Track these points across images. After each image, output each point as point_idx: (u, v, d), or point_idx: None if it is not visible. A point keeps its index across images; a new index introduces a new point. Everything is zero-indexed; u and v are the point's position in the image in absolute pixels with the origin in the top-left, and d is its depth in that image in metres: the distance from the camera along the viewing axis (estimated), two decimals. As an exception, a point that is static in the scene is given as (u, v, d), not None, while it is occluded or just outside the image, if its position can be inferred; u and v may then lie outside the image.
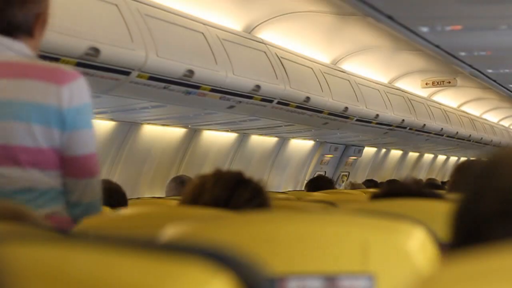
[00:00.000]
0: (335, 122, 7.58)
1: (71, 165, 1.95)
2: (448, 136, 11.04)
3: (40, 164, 1.92)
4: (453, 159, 14.94)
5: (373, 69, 8.56)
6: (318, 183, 5.24)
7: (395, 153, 12.26)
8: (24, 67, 1.92)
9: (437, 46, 7.24)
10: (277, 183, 8.78)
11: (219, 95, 5.39)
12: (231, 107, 5.76)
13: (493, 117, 14.57)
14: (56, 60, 3.86)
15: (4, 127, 1.89)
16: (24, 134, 1.89)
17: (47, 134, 1.91)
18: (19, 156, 1.91)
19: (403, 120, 9.01)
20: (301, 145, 9.22)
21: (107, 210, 2.62)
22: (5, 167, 1.91)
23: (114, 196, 2.97)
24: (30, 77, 1.90)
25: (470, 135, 12.02)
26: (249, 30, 6.12)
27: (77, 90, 1.96)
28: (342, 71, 7.70)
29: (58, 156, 1.94)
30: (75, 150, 1.94)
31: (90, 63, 4.05)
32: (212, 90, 5.27)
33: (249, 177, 1.73)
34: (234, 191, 1.67)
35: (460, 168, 2.59)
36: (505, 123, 15.76)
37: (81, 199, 1.99)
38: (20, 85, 1.89)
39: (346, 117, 7.59)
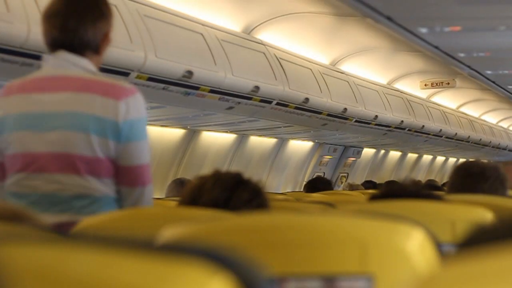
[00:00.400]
0: (334, 123, 7.58)
1: (125, 174, 2.07)
2: (447, 137, 11.05)
3: (97, 172, 2.05)
4: (452, 160, 14.95)
5: (372, 70, 8.56)
6: (316, 184, 5.24)
7: (394, 154, 12.27)
8: (86, 82, 2.06)
9: (436, 47, 7.25)
10: (276, 184, 8.78)
11: (218, 96, 5.39)
12: (230, 108, 5.76)
13: (492, 118, 14.57)
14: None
15: (65, 137, 2.03)
16: (83, 144, 2.03)
17: (103, 145, 2.04)
18: (77, 164, 2.04)
19: (402, 121, 9.02)
20: (300, 146, 9.22)
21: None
22: (64, 174, 2.04)
23: None
24: (91, 92, 2.04)
25: (469, 136, 12.03)
26: (248, 31, 6.12)
27: (133, 104, 2.07)
28: (341, 72, 7.70)
29: (113, 165, 2.07)
30: (130, 160, 2.07)
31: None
32: (211, 91, 5.27)
33: (248, 177, 1.73)
34: (233, 192, 1.67)
35: (459, 169, 2.59)
36: (504, 124, 15.77)
37: (134, 206, 2.10)
38: (82, 98, 2.04)
39: (345, 118, 7.59)
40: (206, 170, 2.39)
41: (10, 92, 2.11)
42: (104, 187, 2.07)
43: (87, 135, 2.03)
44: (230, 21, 5.85)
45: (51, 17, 2.14)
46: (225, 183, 1.67)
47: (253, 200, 1.68)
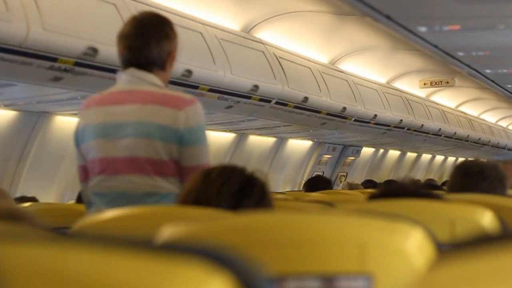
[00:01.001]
0: (333, 122, 7.58)
1: (188, 174, 2.28)
2: (446, 137, 11.05)
3: (163, 172, 2.35)
4: (451, 159, 14.95)
5: (371, 69, 8.56)
6: (316, 183, 5.23)
7: (393, 153, 12.27)
8: (152, 94, 2.37)
9: (435, 46, 7.25)
10: (275, 183, 8.78)
11: (217, 95, 5.39)
12: (229, 107, 5.76)
13: (491, 117, 14.58)
14: (54, 59, 3.86)
15: (134, 143, 2.34)
16: (149, 149, 2.34)
17: (167, 149, 2.35)
18: (146, 166, 2.34)
19: (401, 120, 9.02)
20: (299, 145, 9.22)
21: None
22: (135, 175, 2.35)
23: None
24: (156, 103, 2.35)
25: (468, 135, 12.03)
26: (247, 30, 6.12)
27: (192, 113, 2.38)
28: (340, 71, 7.70)
29: (177, 166, 2.36)
30: (191, 161, 2.36)
31: (88, 63, 4.05)
32: (210, 90, 5.27)
33: (255, 176, 1.69)
34: (240, 200, 1.64)
35: (458, 169, 2.59)
36: (503, 123, 15.77)
37: None
38: (148, 109, 2.35)
39: (344, 117, 7.59)
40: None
41: (89, 105, 2.44)
42: (169, 185, 2.36)
43: (153, 141, 2.34)
44: (229, 20, 5.85)
45: (122, 39, 2.44)
46: (231, 188, 1.65)
47: (259, 204, 1.66)
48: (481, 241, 0.60)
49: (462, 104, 12.47)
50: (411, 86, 9.75)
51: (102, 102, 2.41)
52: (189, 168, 2.33)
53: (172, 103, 2.35)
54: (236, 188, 1.65)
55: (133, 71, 2.40)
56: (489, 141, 13.51)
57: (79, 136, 2.44)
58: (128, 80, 2.41)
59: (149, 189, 2.35)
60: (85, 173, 2.45)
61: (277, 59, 6.22)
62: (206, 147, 2.41)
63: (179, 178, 2.37)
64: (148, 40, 2.39)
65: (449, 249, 0.61)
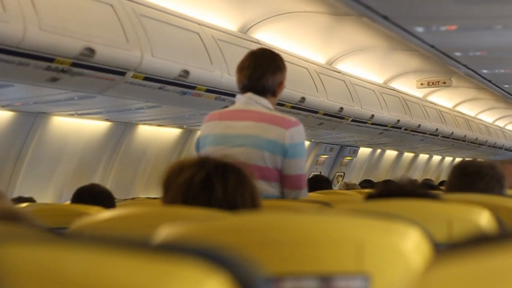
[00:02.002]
0: (331, 123, 7.59)
1: (288, 181, 2.85)
2: (443, 137, 11.06)
3: (267, 178, 2.83)
4: (448, 159, 14.97)
5: (368, 69, 8.56)
6: (315, 183, 5.22)
7: (390, 153, 12.28)
8: (264, 115, 2.89)
9: (432, 46, 7.26)
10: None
11: (215, 95, 5.39)
12: (226, 107, 5.76)
13: (488, 118, 14.60)
14: (51, 60, 3.86)
15: (246, 152, 2.83)
16: (258, 157, 2.83)
17: (273, 159, 2.84)
18: (253, 172, 2.50)
19: (398, 120, 9.03)
20: (296, 145, 9.21)
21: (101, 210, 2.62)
22: None
23: (106, 200, 3.22)
24: (266, 122, 2.87)
25: (465, 135, 12.05)
26: (245, 30, 6.12)
27: (296, 133, 2.88)
28: (337, 71, 7.70)
29: (279, 174, 2.85)
30: (292, 171, 2.85)
31: (85, 63, 4.05)
32: (208, 91, 5.27)
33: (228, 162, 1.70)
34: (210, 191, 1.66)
35: (456, 169, 2.59)
36: (500, 123, 15.79)
37: None
38: (260, 126, 2.86)
39: (341, 118, 7.59)
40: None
41: (211, 119, 2.97)
42: (271, 189, 2.84)
43: (261, 152, 2.84)
44: (226, 21, 5.85)
45: (242, 70, 2.96)
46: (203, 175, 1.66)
47: (238, 188, 1.67)
48: (478, 241, 0.60)
49: (459, 104, 12.48)
50: (408, 86, 9.76)
51: (222, 117, 2.96)
52: (289, 176, 2.86)
53: (280, 122, 2.88)
54: (207, 173, 1.66)
55: (251, 95, 2.94)
56: (486, 141, 13.53)
57: (200, 143, 2.96)
58: (245, 102, 2.94)
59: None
60: None
61: (274, 59, 6.21)
62: (304, 160, 2.95)
63: (279, 183, 2.86)
64: (265, 72, 2.92)
65: (446, 249, 0.61)
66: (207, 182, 1.65)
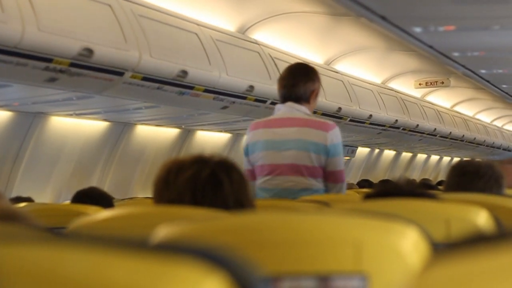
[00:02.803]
0: (329, 123, 7.58)
1: (331, 176, 3.33)
2: (441, 136, 11.06)
3: (314, 175, 3.30)
4: (446, 159, 14.97)
5: (366, 69, 8.57)
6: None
7: (389, 153, 12.28)
8: (305, 120, 3.32)
9: (430, 47, 7.26)
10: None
11: (213, 95, 5.39)
12: (225, 107, 5.76)
13: (486, 118, 14.60)
14: (49, 60, 3.85)
15: (294, 154, 3.28)
16: (305, 158, 3.28)
17: (317, 159, 3.30)
18: (302, 170, 3.28)
19: (397, 120, 9.03)
20: (294, 145, 9.22)
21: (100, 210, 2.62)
22: (294, 176, 3.28)
23: (104, 203, 3.25)
24: (309, 127, 3.31)
25: (463, 135, 12.05)
26: (243, 30, 6.12)
27: (335, 135, 3.35)
28: (335, 72, 7.71)
29: (323, 170, 3.32)
30: (333, 167, 3.32)
31: (83, 64, 4.05)
32: (206, 91, 5.27)
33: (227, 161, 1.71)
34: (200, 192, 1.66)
35: (454, 168, 2.59)
36: (498, 123, 15.80)
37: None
38: (303, 130, 3.30)
39: (340, 118, 7.60)
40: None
41: (257, 127, 3.39)
42: (318, 184, 3.32)
43: (308, 153, 3.28)
44: (224, 21, 5.85)
45: (280, 81, 3.42)
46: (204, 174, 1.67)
47: (234, 187, 1.67)
48: (476, 241, 0.60)
49: (457, 104, 12.49)
50: (406, 86, 9.76)
51: (268, 125, 3.37)
52: (332, 172, 3.33)
53: (321, 126, 3.33)
54: (209, 173, 1.66)
55: (291, 104, 3.35)
56: (484, 141, 13.53)
57: (249, 149, 3.38)
58: (287, 110, 3.35)
59: (304, 186, 3.27)
60: (252, 174, 3.35)
61: (273, 59, 6.22)
62: (342, 158, 3.39)
63: (323, 179, 3.33)
64: (298, 82, 3.35)
65: (444, 248, 0.61)
66: (213, 178, 1.66)
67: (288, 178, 3.28)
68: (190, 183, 1.65)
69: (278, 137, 3.31)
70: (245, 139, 3.46)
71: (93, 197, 3.33)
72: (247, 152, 3.39)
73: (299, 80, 3.35)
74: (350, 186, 6.60)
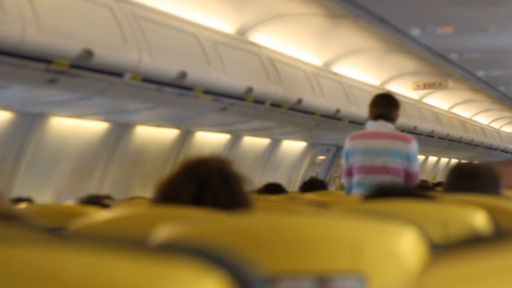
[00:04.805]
0: (327, 124, 7.59)
1: (410, 176, 4.35)
2: (439, 138, 11.06)
3: (398, 174, 4.32)
4: (444, 160, 14.97)
5: (364, 71, 8.57)
6: (311, 186, 5.28)
7: (387, 154, 12.23)
8: (392, 134, 4.40)
9: (428, 48, 7.27)
10: (270, 184, 8.76)
11: (212, 97, 5.40)
12: (224, 109, 5.77)
13: (483, 119, 14.60)
14: (49, 62, 3.86)
15: (385, 159, 4.34)
16: (394, 162, 4.34)
17: (401, 163, 4.35)
18: (390, 171, 4.36)
19: (395, 122, 9.01)
20: (293, 146, 9.23)
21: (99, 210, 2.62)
22: (384, 175, 4.31)
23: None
24: (396, 139, 4.39)
25: (461, 136, 12.05)
26: (242, 32, 6.13)
27: (413, 145, 4.41)
28: (334, 73, 7.71)
29: (404, 172, 4.34)
30: (412, 170, 4.37)
31: (83, 65, 4.05)
32: (205, 92, 5.27)
33: (220, 167, 1.72)
34: (208, 187, 1.67)
35: (452, 170, 2.60)
36: (496, 124, 15.80)
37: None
38: (391, 142, 4.37)
39: (338, 119, 7.60)
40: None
41: (355, 138, 4.46)
42: (400, 181, 4.28)
43: (395, 158, 4.34)
44: (223, 23, 5.85)
45: (375, 105, 4.45)
46: (198, 179, 1.68)
47: (230, 188, 1.69)
48: (474, 242, 0.61)
49: (455, 106, 12.49)
50: (404, 88, 9.76)
51: (363, 137, 4.44)
52: (410, 173, 4.36)
53: (404, 139, 4.42)
54: (205, 176, 1.67)
55: (381, 122, 4.42)
56: (482, 142, 13.53)
57: (349, 153, 4.43)
58: (378, 126, 4.41)
59: (390, 182, 4.03)
60: (349, 172, 4.44)
61: (271, 61, 6.22)
62: (418, 163, 4.47)
63: (404, 178, 4.34)
64: (391, 108, 4.46)
65: (443, 249, 0.62)
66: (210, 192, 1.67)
67: (379, 177, 4.33)
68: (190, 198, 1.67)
69: (372, 146, 4.40)
70: (345, 146, 4.50)
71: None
72: (346, 156, 4.47)
73: (391, 106, 4.47)
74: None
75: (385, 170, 4.36)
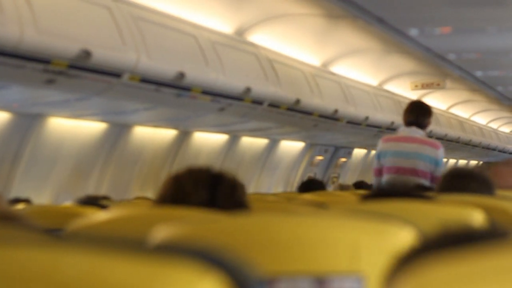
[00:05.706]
0: (325, 124, 7.59)
1: (436, 179, 4.16)
2: (437, 138, 11.03)
3: (425, 176, 4.68)
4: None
5: (363, 71, 8.57)
6: (309, 186, 5.26)
7: (385, 155, 12.24)
8: (423, 140, 4.78)
9: (427, 48, 7.27)
10: (267, 184, 8.79)
11: (210, 97, 5.40)
12: (222, 109, 5.77)
13: (482, 119, 14.61)
14: (47, 62, 3.86)
15: (414, 162, 4.71)
16: (422, 165, 4.71)
17: (428, 166, 4.72)
18: (418, 173, 4.69)
19: (393, 122, 9.03)
20: (291, 147, 9.23)
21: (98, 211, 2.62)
22: (412, 176, 4.65)
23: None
24: (425, 144, 4.77)
25: (459, 137, 12.05)
26: (240, 33, 6.13)
27: (441, 152, 4.80)
28: (332, 74, 7.71)
29: (430, 174, 4.69)
30: (438, 173, 4.56)
31: (81, 66, 4.05)
32: (203, 93, 5.27)
33: (221, 172, 1.75)
34: (215, 190, 1.69)
35: (447, 174, 2.63)
36: (494, 125, 15.81)
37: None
38: (421, 146, 4.74)
39: (336, 119, 7.60)
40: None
41: (388, 141, 4.85)
42: (427, 182, 4.57)
43: (424, 162, 4.71)
44: (222, 23, 5.86)
45: (409, 113, 4.90)
46: (205, 182, 1.69)
47: (234, 194, 1.70)
48: (469, 239, 0.61)
49: (453, 106, 12.50)
50: (403, 88, 9.77)
51: (396, 140, 4.82)
52: (435, 176, 4.55)
53: (433, 145, 4.80)
54: (209, 181, 1.68)
55: (413, 128, 4.80)
56: (480, 142, 13.54)
57: (381, 154, 4.82)
58: (410, 131, 4.78)
59: (417, 183, 4.26)
60: (380, 172, 4.81)
61: (270, 61, 6.22)
62: (443, 167, 4.81)
63: (431, 180, 4.63)
64: (423, 116, 4.84)
65: (440, 249, 0.61)
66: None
67: (408, 178, 4.70)
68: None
69: (404, 149, 4.76)
70: (378, 147, 4.87)
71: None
72: (379, 156, 4.87)
73: (425, 115, 4.87)
74: (346, 188, 6.61)
75: (414, 172, 4.74)
